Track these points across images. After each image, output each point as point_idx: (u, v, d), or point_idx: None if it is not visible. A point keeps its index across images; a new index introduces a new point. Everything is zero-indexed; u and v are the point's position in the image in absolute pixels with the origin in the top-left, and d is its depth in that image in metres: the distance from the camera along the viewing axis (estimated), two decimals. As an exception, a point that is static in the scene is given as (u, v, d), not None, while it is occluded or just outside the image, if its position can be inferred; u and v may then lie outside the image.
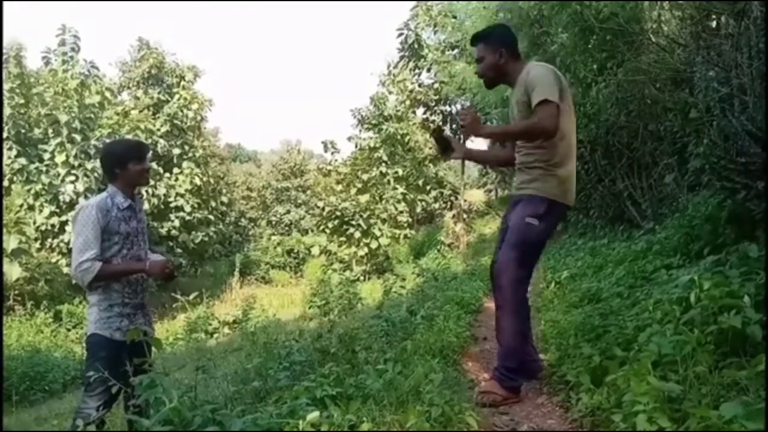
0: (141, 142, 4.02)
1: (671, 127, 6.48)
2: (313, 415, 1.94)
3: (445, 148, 3.16)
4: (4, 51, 17.40)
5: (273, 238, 28.20)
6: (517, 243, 2.92)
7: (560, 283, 6.09)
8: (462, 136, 3.18)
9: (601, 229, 8.29)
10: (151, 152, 3.55)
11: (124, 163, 3.13)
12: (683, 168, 6.15)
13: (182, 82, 23.54)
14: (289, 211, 30.81)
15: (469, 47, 3.41)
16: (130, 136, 18.70)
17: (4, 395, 6.52)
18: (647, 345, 2.38)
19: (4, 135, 17.13)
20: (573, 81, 8.14)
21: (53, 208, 17.42)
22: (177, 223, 21.39)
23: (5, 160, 17.16)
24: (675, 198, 6.24)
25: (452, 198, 24.16)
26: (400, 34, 21.36)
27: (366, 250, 20.21)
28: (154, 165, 20.37)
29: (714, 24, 5.55)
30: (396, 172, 21.56)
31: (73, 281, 3.14)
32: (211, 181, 23.77)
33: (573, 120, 3.01)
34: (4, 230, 14.27)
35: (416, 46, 21.20)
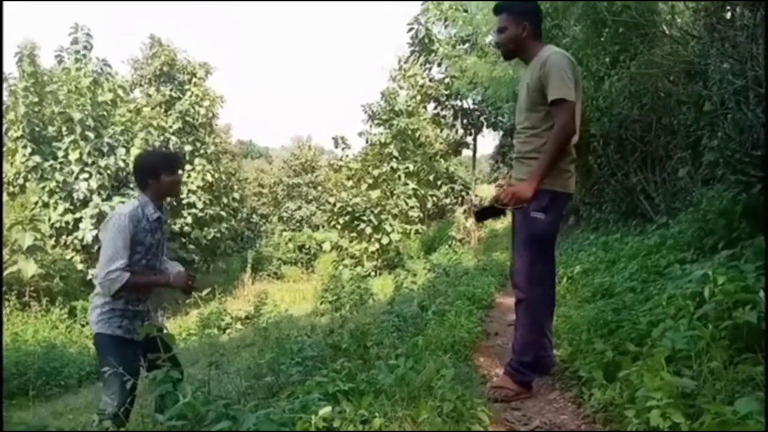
0: (175, 154, 4.09)
1: (685, 121, 6.40)
2: (326, 410, 1.95)
3: (497, 211, 3.06)
4: (18, 50, 17.56)
5: (284, 234, 28.28)
6: (527, 240, 2.91)
7: (573, 278, 6.06)
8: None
9: (614, 224, 8.23)
10: (183, 165, 3.62)
11: (158, 174, 3.19)
12: (697, 161, 6.08)
13: (194, 79, 23.60)
14: (300, 207, 30.89)
15: (491, 16, 3.28)
16: (142, 133, 18.88)
17: (3, 394, 6.60)
18: (661, 340, 2.37)
19: (19, 133, 17.30)
20: (585, 74, 8.07)
21: (67, 205, 17.55)
22: (189, 219, 21.51)
23: (20, 158, 17.33)
24: (689, 192, 6.18)
25: (463, 193, 24.11)
26: (411, 29, 21.23)
27: (377, 245, 20.20)
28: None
29: (729, 15, 5.47)
30: (407, 168, 21.52)
31: (88, 277, 3.18)
32: (223, 177, 23.85)
33: (579, 112, 2.96)
34: (20, 227, 14.43)
35: (427, 40, 21.07)
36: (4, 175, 16.99)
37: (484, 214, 3.19)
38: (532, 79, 2.88)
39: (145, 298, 3.24)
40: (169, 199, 3.56)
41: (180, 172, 3.34)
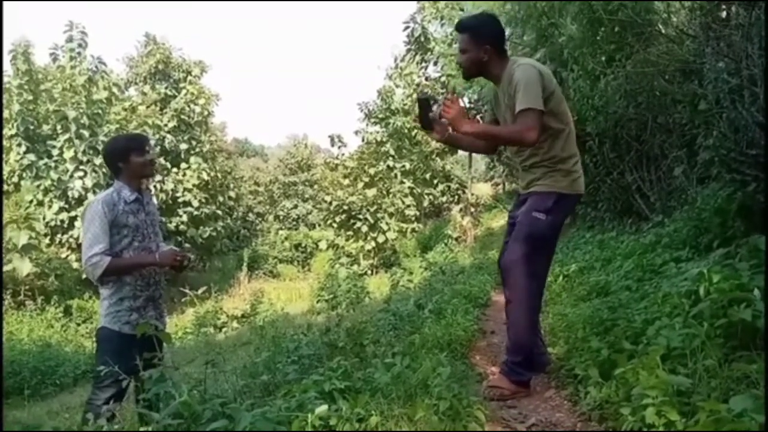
0: (140, 134, 4.02)
1: (680, 119, 6.42)
2: (322, 408, 1.95)
3: (427, 122, 3.02)
4: (12, 48, 17.47)
5: (281, 232, 28.26)
6: (524, 237, 2.91)
7: (568, 276, 6.08)
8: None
9: (609, 222, 8.25)
10: (152, 143, 3.50)
11: (127, 157, 3.14)
12: (692, 160, 6.10)
13: (189, 77, 23.57)
14: (296, 206, 30.86)
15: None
16: (136, 132, 18.80)
17: (4, 394, 6.57)
18: (656, 338, 2.37)
19: (13, 132, 17.23)
20: (581, 73, 8.09)
21: (62, 203, 17.52)
22: (185, 218, 21.48)
23: (15, 157, 17.25)
24: (684, 190, 6.20)
25: (459, 192, 24.13)
26: (407, 27, 21.24)
27: (373, 244, 20.21)
28: (161, 160, 20.44)
29: (724, 14, 5.49)
30: (403, 166, 21.52)
31: (83, 276, 3.16)
32: (219, 176, 23.81)
33: (568, 112, 2.96)
34: (15, 226, 14.38)
35: (423, 39, 21.08)
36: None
37: (423, 104, 3.13)
38: (508, 99, 2.87)
39: (154, 281, 3.20)
40: (147, 181, 3.48)
41: (149, 149, 3.25)
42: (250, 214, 29.66)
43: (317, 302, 15.73)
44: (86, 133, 17.66)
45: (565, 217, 3.06)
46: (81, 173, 17.62)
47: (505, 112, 2.98)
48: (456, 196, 24.40)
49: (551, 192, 2.87)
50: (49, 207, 17.38)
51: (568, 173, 2.89)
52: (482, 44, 2.90)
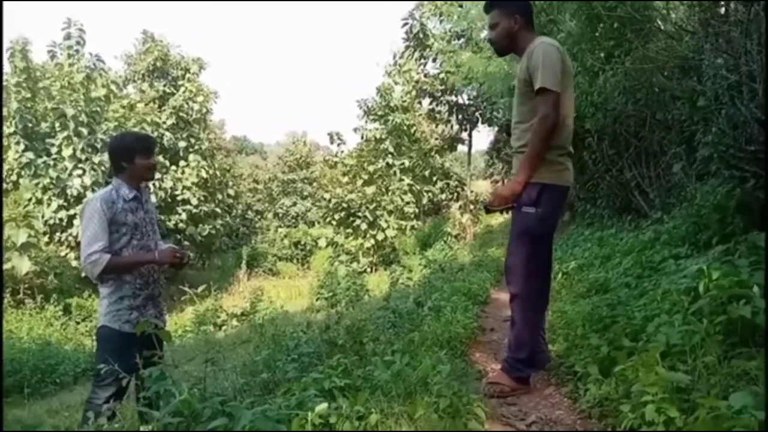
0: (149, 136, 3.97)
1: (679, 116, 6.42)
2: (322, 406, 1.95)
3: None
4: (10, 45, 17.42)
5: (280, 230, 28.27)
6: (519, 233, 2.91)
7: (568, 273, 6.09)
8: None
9: (608, 219, 8.26)
10: (157, 147, 3.51)
11: (132, 157, 3.14)
12: (691, 157, 6.10)
13: (187, 75, 23.51)
14: (295, 203, 30.86)
15: (483, 15, 3.24)
16: (136, 130, 18.74)
17: (4, 393, 6.56)
18: (655, 335, 2.38)
19: (12, 130, 17.18)
20: (580, 69, 8.08)
21: (61, 201, 17.48)
22: (184, 216, 21.45)
23: (13, 155, 17.21)
24: (683, 187, 6.20)
25: (459, 189, 24.13)
26: (405, 24, 21.19)
27: (372, 241, 20.22)
28: (160, 158, 20.41)
29: (723, 11, 5.48)
30: (402, 164, 21.51)
31: (83, 274, 3.16)
32: (218, 173, 23.78)
33: (571, 103, 2.94)
34: (14, 224, 14.36)
35: (422, 35, 21.02)
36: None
37: (490, 209, 3.20)
38: (521, 71, 2.88)
39: (153, 280, 3.20)
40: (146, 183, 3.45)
41: (155, 153, 3.26)
42: (249, 212, 29.66)
43: (317, 300, 15.74)
44: (85, 131, 17.61)
45: (555, 208, 2.96)
46: (80, 171, 17.57)
47: (518, 84, 3.00)
48: (455, 194, 24.40)
49: (535, 183, 2.82)
50: (48, 205, 17.34)
51: (551, 163, 2.83)
52: (512, 14, 2.94)
